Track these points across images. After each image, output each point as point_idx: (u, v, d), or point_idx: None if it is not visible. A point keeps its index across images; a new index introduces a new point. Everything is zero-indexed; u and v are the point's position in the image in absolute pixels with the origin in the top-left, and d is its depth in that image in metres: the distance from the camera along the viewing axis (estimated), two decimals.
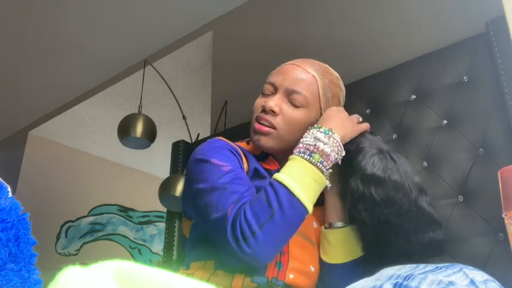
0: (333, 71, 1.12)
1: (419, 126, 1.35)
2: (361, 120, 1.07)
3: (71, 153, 3.64)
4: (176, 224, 1.93)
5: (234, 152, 1.01)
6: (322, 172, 0.92)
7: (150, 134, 2.24)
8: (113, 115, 3.18)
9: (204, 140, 1.98)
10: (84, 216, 3.63)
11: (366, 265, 0.99)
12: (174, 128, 3.21)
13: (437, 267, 0.69)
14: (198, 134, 2.15)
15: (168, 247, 1.88)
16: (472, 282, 0.65)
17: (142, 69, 2.46)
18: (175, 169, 2.00)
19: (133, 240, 3.83)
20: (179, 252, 1.84)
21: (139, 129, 2.19)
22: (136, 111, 2.30)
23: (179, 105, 2.33)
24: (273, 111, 1.02)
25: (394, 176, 0.95)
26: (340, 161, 0.97)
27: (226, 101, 2.07)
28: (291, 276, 0.95)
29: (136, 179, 3.91)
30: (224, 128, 2.00)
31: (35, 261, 0.82)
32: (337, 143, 0.95)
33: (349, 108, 1.16)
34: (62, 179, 3.50)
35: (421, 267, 0.69)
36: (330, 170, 0.94)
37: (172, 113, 2.98)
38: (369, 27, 1.68)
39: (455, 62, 1.34)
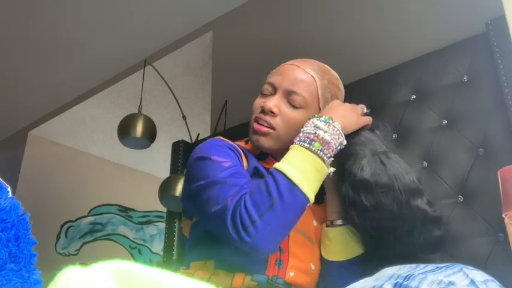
0: (332, 71, 1.12)
1: (419, 126, 1.35)
2: (365, 111, 1.07)
3: (71, 153, 3.64)
4: (176, 224, 1.93)
5: (234, 150, 1.02)
6: (323, 160, 0.91)
7: (150, 134, 2.24)
8: (113, 115, 3.18)
9: (204, 140, 1.98)
10: (84, 216, 3.63)
11: (366, 265, 0.99)
12: (174, 128, 3.21)
13: (437, 267, 0.69)
14: (198, 134, 2.15)
15: (168, 247, 1.88)
16: (472, 282, 0.65)
17: (142, 69, 2.46)
18: (175, 169, 2.00)
19: (134, 240, 3.83)
20: (179, 252, 1.84)
21: (139, 129, 2.20)
22: (136, 111, 2.30)
23: (179, 105, 2.33)
24: (272, 112, 1.02)
25: (383, 180, 0.93)
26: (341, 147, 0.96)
27: (226, 101, 2.07)
28: (291, 274, 0.96)
29: (136, 179, 3.91)
30: (224, 128, 2.00)
31: (35, 261, 0.82)
32: (338, 131, 0.94)
33: None
34: (62, 179, 3.50)
35: (421, 267, 0.69)
36: (331, 159, 0.94)
37: (172, 113, 2.98)
38: (369, 27, 1.68)
39: (455, 62, 1.34)
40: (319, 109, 1.05)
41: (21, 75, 2.91)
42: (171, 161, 2.03)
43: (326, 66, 1.12)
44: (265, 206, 0.85)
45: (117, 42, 2.63)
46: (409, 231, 0.94)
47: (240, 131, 1.71)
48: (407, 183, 0.95)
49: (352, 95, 1.18)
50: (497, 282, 0.69)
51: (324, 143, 0.92)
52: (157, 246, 3.89)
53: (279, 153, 1.05)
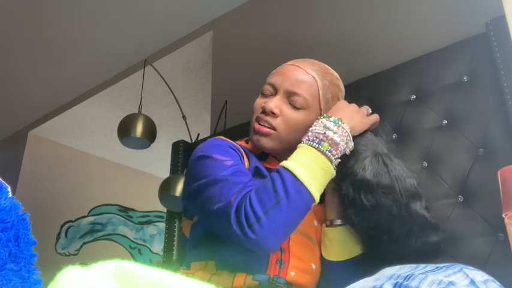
0: (332, 71, 1.12)
1: (419, 126, 1.35)
2: (370, 112, 1.07)
3: (71, 153, 3.64)
4: (176, 224, 1.93)
5: (236, 149, 1.02)
6: (331, 161, 0.91)
7: (150, 134, 2.24)
8: (113, 115, 3.18)
9: (204, 140, 1.98)
10: (84, 216, 3.63)
11: (366, 265, 0.99)
12: (174, 128, 3.21)
13: (437, 267, 0.69)
14: (198, 134, 2.15)
15: (168, 247, 1.88)
16: (472, 282, 0.65)
17: (142, 69, 2.46)
18: (175, 169, 2.00)
19: (133, 240, 3.83)
20: (179, 252, 1.84)
21: (139, 129, 2.19)
22: (136, 111, 2.30)
23: (179, 105, 2.33)
24: (273, 113, 1.02)
25: (385, 181, 0.94)
26: (348, 152, 0.96)
27: (226, 101, 2.07)
28: (292, 273, 0.96)
29: (136, 179, 3.91)
30: (224, 128, 2.00)
31: (35, 261, 0.82)
32: (347, 133, 0.95)
33: None
34: (62, 179, 3.50)
35: (422, 267, 0.69)
36: (338, 160, 0.94)
37: (172, 113, 2.98)
38: (369, 27, 1.68)
39: (455, 62, 1.34)
40: (320, 110, 1.05)
41: (21, 75, 2.91)
42: (171, 161, 2.02)
43: (327, 66, 1.12)
44: (271, 203, 0.84)
45: (117, 42, 2.63)
46: (406, 233, 0.94)
47: (240, 131, 1.71)
48: (408, 186, 0.95)
49: (352, 94, 1.18)
50: (497, 282, 0.69)
51: (333, 143, 0.92)
52: (157, 246, 3.89)
53: (280, 153, 1.05)
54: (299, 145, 0.94)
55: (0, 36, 2.57)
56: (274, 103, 1.03)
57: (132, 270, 0.49)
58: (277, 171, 0.90)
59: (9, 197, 0.82)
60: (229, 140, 1.04)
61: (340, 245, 1.01)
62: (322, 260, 1.03)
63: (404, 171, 0.97)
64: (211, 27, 2.40)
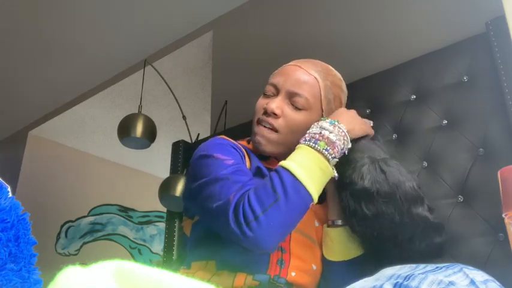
0: (335, 72, 1.12)
1: (419, 126, 1.35)
2: (372, 125, 1.07)
3: (71, 153, 3.64)
4: (176, 224, 1.93)
5: (237, 149, 1.02)
6: (328, 160, 0.92)
7: (150, 134, 2.24)
8: (113, 115, 3.18)
9: (204, 140, 1.99)
10: (84, 216, 3.63)
11: (366, 265, 0.99)
12: (174, 128, 3.21)
13: (437, 267, 0.69)
14: (198, 134, 2.15)
15: (168, 247, 1.87)
16: (472, 282, 0.65)
17: (142, 69, 2.46)
18: (175, 169, 2.00)
19: (133, 240, 3.82)
20: (179, 252, 1.84)
21: (139, 129, 2.19)
22: (136, 111, 2.30)
23: (179, 105, 2.33)
24: (275, 114, 1.02)
25: (384, 189, 0.93)
26: (346, 152, 0.96)
27: (226, 101, 2.07)
28: (293, 274, 0.96)
29: (136, 179, 3.91)
30: (224, 128, 2.00)
31: (35, 261, 0.82)
32: (343, 133, 0.95)
33: (349, 108, 1.16)
34: (62, 179, 3.50)
35: (421, 267, 0.69)
36: (336, 159, 0.94)
37: (172, 113, 2.98)
38: (369, 27, 1.68)
39: (455, 62, 1.34)
40: (322, 110, 1.05)
41: (21, 75, 2.90)
42: (171, 161, 2.02)
43: (329, 66, 1.11)
44: (269, 202, 0.85)
45: (117, 42, 2.63)
46: (410, 238, 0.94)
47: (240, 131, 1.71)
48: (408, 191, 0.95)
49: (352, 94, 1.18)
50: (497, 282, 0.69)
51: (329, 142, 0.92)
52: (157, 246, 3.89)
53: (281, 154, 1.05)
54: (297, 146, 0.94)
55: (0, 36, 2.57)
56: (276, 104, 1.03)
57: (132, 270, 0.49)
58: (276, 170, 0.90)
59: (9, 197, 0.82)
60: (231, 140, 1.04)
61: (341, 245, 1.01)
62: (323, 260, 1.03)
63: (403, 175, 0.97)
64: (211, 27, 2.40)
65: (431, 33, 1.50)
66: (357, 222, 0.95)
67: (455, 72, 1.33)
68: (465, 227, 1.17)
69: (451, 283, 0.63)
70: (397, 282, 0.65)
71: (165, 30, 2.53)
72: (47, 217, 3.31)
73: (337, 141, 0.93)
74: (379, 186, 0.93)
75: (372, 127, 1.07)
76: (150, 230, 3.92)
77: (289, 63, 1.10)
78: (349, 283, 0.71)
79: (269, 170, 1.04)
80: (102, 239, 3.66)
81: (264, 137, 1.03)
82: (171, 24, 2.49)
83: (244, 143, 1.11)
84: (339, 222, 1.03)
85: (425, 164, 1.29)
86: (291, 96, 1.03)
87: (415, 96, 1.39)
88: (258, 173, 1.01)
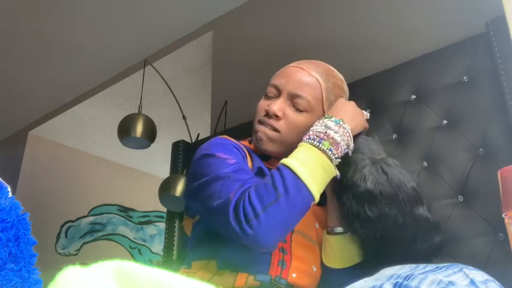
0: (337, 73, 1.11)
1: (419, 126, 1.35)
2: (368, 116, 1.07)
3: (71, 153, 3.64)
4: (176, 224, 1.93)
5: (239, 149, 1.01)
6: (331, 160, 0.91)
7: (150, 134, 2.24)
8: (113, 115, 3.18)
9: (204, 140, 1.99)
10: (84, 216, 3.63)
11: (366, 268, 0.99)
12: (174, 128, 3.21)
13: (437, 267, 0.69)
14: (198, 134, 2.15)
15: (168, 247, 1.87)
16: (472, 282, 0.65)
17: (142, 69, 2.46)
18: (175, 169, 2.00)
19: (133, 240, 3.82)
20: (179, 252, 1.84)
21: (139, 129, 2.19)
22: (136, 111, 2.30)
23: (179, 105, 2.33)
24: (276, 116, 1.02)
25: (387, 190, 0.93)
26: (350, 152, 0.96)
27: (226, 101, 2.07)
28: (294, 275, 0.95)
29: (136, 179, 3.91)
30: (224, 128, 2.00)
31: (35, 261, 0.82)
32: (348, 134, 0.95)
33: None
34: (62, 179, 3.50)
35: (421, 267, 0.69)
36: (339, 160, 0.93)
37: (172, 113, 2.98)
38: (369, 27, 1.68)
39: (455, 62, 1.34)
40: (324, 112, 1.05)
41: (21, 75, 2.90)
42: (171, 161, 2.02)
43: (331, 67, 1.11)
44: (269, 200, 0.84)
45: (117, 42, 2.63)
46: (412, 239, 0.94)
47: (240, 131, 1.71)
48: (409, 192, 0.94)
49: (352, 94, 1.18)
50: (497, 282, 0.69)
51: (334, 142, 0.92)
52: (157, 246, 3.89)
53: (282, 155, 1.05)
54: (299, 144, 0.94)
55: (0, 36, 2.57)
56: (278, 106, 1.02)
57: (132, 270, 0.49)
58: (278, 168, 0.89)
59: (9, 197, 0.82)
60: (233, 140, 1.04)
61: (340, 252, 1.01)
62: (323, 265, 1.03)
63: (404, 175, 0.96)
64: (211, 27, 2.40)
65: (431, 33, 1.50)
66: (360, 225, 0.95)
67: (455, 72, 1.33)
68: (465, 227, 1.17)
69: (451, 283, 0.63)
70: (397, 282, 0.65)
71: (165, 30, 2.53)
72: (47, 217, 3.31)
73: (341, 141, 0.92)
74: (382, 187, 0.93)
75: (367, 120, 1.07)
76: (150, 230, 3.92)
77: (291, 65, 1.10)
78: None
79: (270, 170, 1.04)
80: (102, 239, 3.66)
81: (266, 134, 1.03)
82: (171, 24, 2.49)
83: (245, 143, 1.11)
84: (339, 229, 1.02)
85: (425, 164, 1.29)
86: (292, 98, 1.03)
87: (415, 96, 1.39)
88: (259, 173, 1.01)
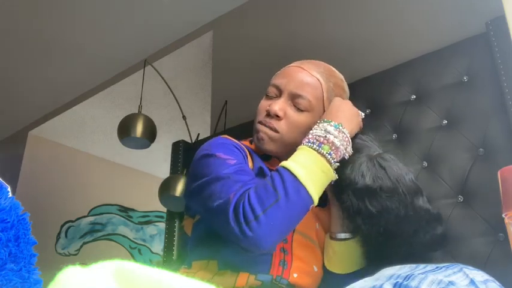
0: (337, 73, 1.12)
1: (419, 126, 1.35)
2: (363, 116, 1.07)
3: (71, 153, 3.64)
4: (176, 224, 1.93)
5: (240, 149, 1.02)
6: (330, 164, 0.92)
7: (150, 134, 2.24)
8: (113, 115, 3.18)
9: (204, 140, 1.99)
10: (84, 216, 3.63)
11: (368, 264, 0.99)
12: (174, 128, 3.21)
13: (437, 267, 0.69)
14: (198, 134, 2.15)
15: (168, 247, 1.87)
16: (472, 282, 0.65)
17: (143, 69, 2.46)
18: (175, 169, 2.00)
19: (133, 240, 3.82)
20: (179, 252, 1.84)
21: (139, 129, 2.19)
22: (136, 111, 2.30)
23: (179, 105, 2.33)
24: (278, 116, 1.02)
25: (386, 184, 0.93)
26: (346, 157, 0.96)
27: (226, 101, 2.07)
28: (295, 275, 0.96)
29: (136, 179, 3.91)
30: (224, 128, 2.00)
31: (35, 261, 0.82)
32: (347, 139, 0.95)
33: None
34: (62, 179, 3.50)
35: (421, 267, 0.69)
36: (337, 164, 0.94)
37: (172, 113, 2.98)
38: (369, 28, 1.68)
39: (455, 62, 1.34)
40: (324, 111, 1.05)
41: (21, 75, 2.90)
42: (171, 161, 2.02)
43: (331, 67, 1.11)
44: (269, 201, 0.84)
45: (117, 42, 2.63)
46: (415, 231, 0.94)
47: (240, 131, 1.71)
48: (409, 184, 0.95)
49: (352, 95, 1.18)
50: (497, 282, 0.69)
51: (333, 147, 0.92)
52: (157, 246, 3.89)
53: (283, 155, 1.05)
54: (299, 147, 0.94)
55: (0, 36, 2.57)
56: (279, 106, 1.03)
57: (132, 270, 0.49)
58: (277, 170, 0.90)
59: (9, 197, 0.82)
60: (234, 139, 1.04)
61: (344, 258, 1.02)
62: (325, 269, 1.03)
63: (401, 169, 0.97)
64: (211, 27, 2.40)
65: (431, 33, 1.50)
66: (363, 221, 0.95)
67: (455, 72, 1.33)
68: (465, 227, 1.17)
69: (451, 283, 0.63)
70: (397, 282, 0.65)
71: (165, 30, 2.53)
72: (47, 217, 3.31)
73: (340, 146, 0.93)
74: (381, 182, 0.93)
75: (362, 120, 1.07)
76: (150, 230, 3.92)
77: (292, 65, 1.10)
78: None
79: (271, 170, 1.04)
80: (102, 239, 3.66)
81: (266, 134, 1.03)
82: (171, 24, 2.49)
83: (246, 143, 1.11)
84: (342, 235, 1.02)
85: (425, 164, 1.29)
86: (293, 98, 1.03)
87: (415, 96, 1.39)
88: (260, 173, 1.01)
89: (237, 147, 1.01)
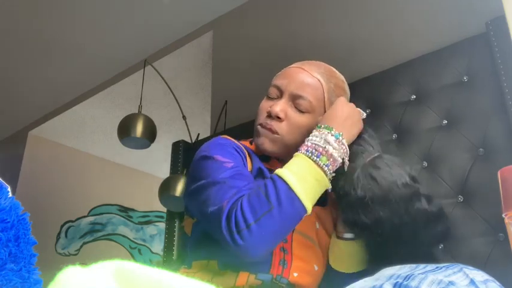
0: (338, 73, 1.12)
1: (419, 126, 1.34)
2: (364, 116, 1.06)
3: (71, 153, 3.64)
4: (176, 224, 1.93)
5: (239, 150, 1.01)
6: (326, 175, 0.91)
7: (150, 134, 2.24)
8: (113, 115, 3.18)
9: (204, 140, 1.99)
10: (84, 216, 3.63)
11: (370, 263, 1.00)
12: (174, 128, 3.21)
13: (437, 267, 0.69)
14: (198, 134, 2.15)
15: (168, 247, 1.87)
16: (472, 282, 0.65)
17: (143, 69, 2.46)
18: (175, 169, 2.00)
19: (133, 240, 3.82)
20: (179, 252, 1.84)
21: (139, 129, 2.19)
22: (136, 111, 2.30)
23: (179, 105, 2.33)
24: (279, 117, 1.02)
25: (377, 194, 0.93)
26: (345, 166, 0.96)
27: (226, 101, 2.07)
28: (295, 274, 0.96)
29: (136, 179, 3.91)
30: (224, 128, 2.00)
31: (35, 261, 0.82)
32: (345, 150, 0.95)
33: None
34: (62, 179, 3.50)
35: (421, 267, 0.69)
36: (333, 174, 0.94)
37: (172, 113, 2.98)
38: (369, 28, 1.68)
39: (455, 62, 1.34)
40: (325, 112, 1.05)
41: (21, 75, 2.90)
42: (171, 161, 2.02)
43: (332, 68, 1.11)
44: (262, 211, 0.84)
45: (117, 42, 2.63)
46: (414, 233, 0.94)
47: (240, 131, 1.71)
48: (402, 191, 0.94)
49: (352, 95, 1.18)
50: (497, 282, 0.69)
51: (331, 158, 0.92)
52: (157, 246, 3.89)
53: (283, 156, 1.05)
54: (296, 154, 0.93)
55: (0, 36, 2.57)
56: (280, 107, 1.02)
57: (132, 270, 0.49)
58: (272, 178, 0.89)
59: (9, 197, 0.82)
60: (233, 140, 1.04)
61: (349, 257, 1.02)
62: (330, 268, 1.04)
63: (394, 174, 0.95)
64: (211, 27, 2.40)
65: (431, 33, 1.50)
66: (360, 232, 0.96)
67: (455, 72, 1.33)
68: (465, 227, 1.17)
69: (451, 283, 0.63)
70: (397, 282, 0.65)
71: (165, 30, 2.53)
72: (47, 217, 3.31)
73: (338, 158, 0.93)
74: (372, 193, 0.93)
75: (364, 120, 1.06)
76: (150, 230, 3.92)
77: (292, 65, 1.09)
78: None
79: (270, 171, 1.04)
80: (102, 239, 3.66)
81: (268, 137, 1.03)
82: (171, 24, 2.49)
83: (246, 143, 1.11)
84: (349, 235, 1.02)
85: (425, 164, 1.29)
86: (294, 99, 1.03)
87: (415, 96, 1.39)
88: (259, 174, 1.01)
89: (236, 149, 1.01)
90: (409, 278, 0.65)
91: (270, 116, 1.03)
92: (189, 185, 0.99)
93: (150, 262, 3.76)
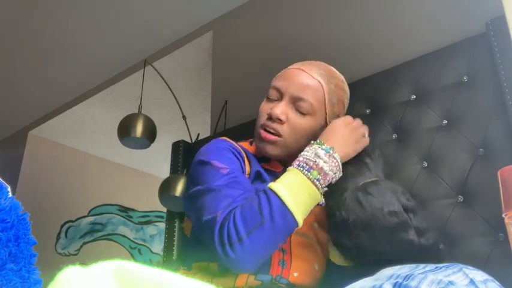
0: (338, 74, 1.11)
1: (419, 126, 1.34)
2: (367, 133, 1.06)
3: (71, 153, 3.64)
4: (176, 224, 1.93)
5: (237, 154, 1.01)
6: (318, 189, 0.92)
7: (150, 134, 2.24)
8: (113, 115, 3.18)
9: (204, 140, 1.99)
10: (84, 216, 3.63)
11: (367, 265, 0.99)
12: (174, 128, 3.21)
13: (437, 267, 0.69)
14: (198, 134, 2.15)
15: (168, 247, 1.87)
16: (472, 282, 0.65)
17: (143, 69, 2.46)
18: (175, 169, 2.00)
19: (133, 240, 3.82)
20: (179, 252, 1.84)
21: (139, 129, 2.19)
22: (136, 111, 2.30)
23: (179, 105, 2.33)
24: (280, 120, 1.02)
25: (360, 219, 0.92)
26: (334, 181, 0.96)
27: (226, 101, 2.07)
28: (295, 274, 0.96)
29: (136, 179, 3.91)
30: (224, 128, 2.00)
31: (35, 261, 0.82)
32: (337, 163, 0.94)
33: (349, 108, 1.16)
34: (62, 179, 3.50)
35: (421, 267, 0.69)
36: (326, 189, 0.94)
37: (172, 113, 2.98)
38: (368, 28, 1.68)
39: (455, 62, 1.34)
40: (326, 114, 1.05)
41: (21, 75, 2.91)
42: (171, 161, 2.02)
43: (332, 69, 1.11)
44: (254, 224, 0.85)
45: (117, 42, 2.63)
46: (398, 260, 0.92)
47: (240, 131, 1.71)
48: (386, 219, 0.91)
49: (352, 95, 1.18)
50: (497, 282, 0.69)
51: (322, 172, 0.92)
52: (157, 246, 3.89)
53: (284, 158, 1.05)
54: (289, 168, 0.94)
55: (0, 37, 2.57)
56: (281, 109, 1.02)
57: (132, 270, 0.49)
58: (264, 192, 0.89)
59: (9, 197, 0.82)
60: (232, 142, 1.04)
61: None
62: (330, 263, 1.03)
63: (384, 202, 0.93)
64: (211, 27, 2.40)
65: (431, 34, 1.50)
66: (344, 252, 0.96)
67: (455, 72, 1.33)
68: (465, 227, 1.17)
69: (451, 283, 0.63)
70: (397, 282, 0.65)
71: (165, 30, 2.53)
72: (47, 217, 3.31)
73: (330, 172, 0.93)
74: (356, 217, 0.92)
75: (368, 135, 1.06)
76: (150, 230, 3.92)
77: (292, 66, 1.09)
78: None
79: (270, 172, 1.04)
80: (102, 239, 3.66)
81: (269, 142, 1.02)
82: (171, 24, 2.48)
83: (246, 145, 1.10)
84: None
85: (425, 164, 1.29)
86: (295, 101, 1.03)
87: (415, 96, 1.39)
88: (257, 177, 1.01)
89: (234, 152, 1.01)
90: (408, 278, 0.65)
91: (270, 118, 1.03)
92: (187, 188, 1.00)
93: (150, 262, 3.76)
